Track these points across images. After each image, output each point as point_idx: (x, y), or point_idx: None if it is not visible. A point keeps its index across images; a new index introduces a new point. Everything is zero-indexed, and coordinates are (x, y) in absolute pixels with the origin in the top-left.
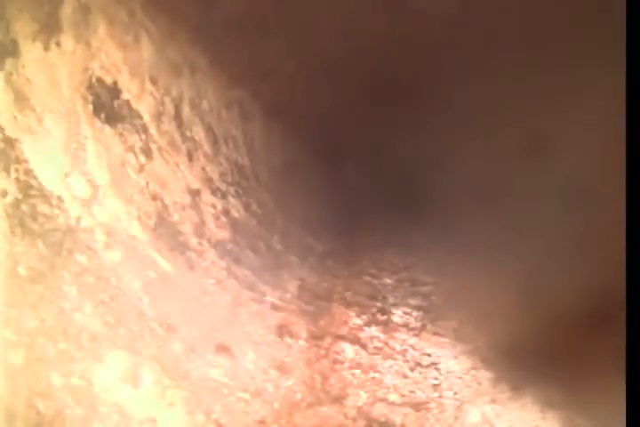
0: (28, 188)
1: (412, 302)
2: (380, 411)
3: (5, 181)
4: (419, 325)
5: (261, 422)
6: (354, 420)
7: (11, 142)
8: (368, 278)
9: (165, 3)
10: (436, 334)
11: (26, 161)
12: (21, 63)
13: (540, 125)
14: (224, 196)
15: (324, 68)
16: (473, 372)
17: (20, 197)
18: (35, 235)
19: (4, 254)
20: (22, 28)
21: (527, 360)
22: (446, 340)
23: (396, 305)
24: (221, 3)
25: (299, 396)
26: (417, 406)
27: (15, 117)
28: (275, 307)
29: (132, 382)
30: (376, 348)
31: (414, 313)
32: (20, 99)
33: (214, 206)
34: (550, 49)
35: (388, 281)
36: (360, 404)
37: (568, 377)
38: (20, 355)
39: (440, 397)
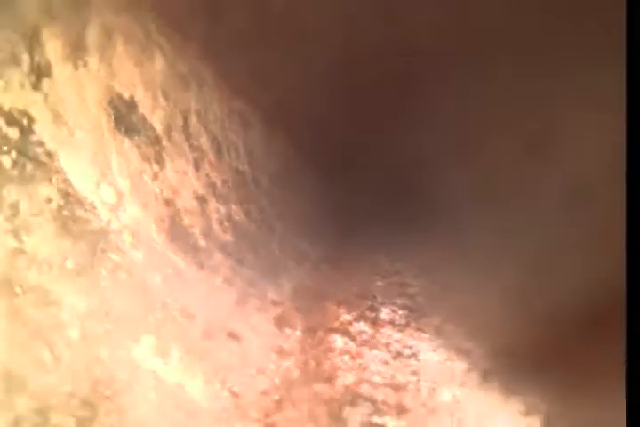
0: (67, 195)
1: (399, 301)
2: (364, 389)
3: (49, 189)
4: (403, 322)
5: (265, 392)
6: (342, 395)
7: (50, 155)
8: (359, 281)
9: (176, 22)
10: (418, 330)
11: (64, 172)
12: (55, 83)
13: (540, 126)
14: (227, 202)
15: (321, 78)
16: (448, 363)
17: (61, 203)
18: (76, 235)
19: (55, 251)
20: (55, 50)
21: (499, 351)
22: (427, 335)
23: (384, 304)
24: (226, 20)
25: (296, 374)
26: (397, 387)
27: (53, 132)
28: (274, 303)
29: (163, 358)
30: (364, 340)
31: (400, 311)
32: (56, 115)
33: (219, 211)
34: (550, 49)
35: (379, 284)
36: (348, 383)
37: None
38: (75, 333)
39: (418, 381)
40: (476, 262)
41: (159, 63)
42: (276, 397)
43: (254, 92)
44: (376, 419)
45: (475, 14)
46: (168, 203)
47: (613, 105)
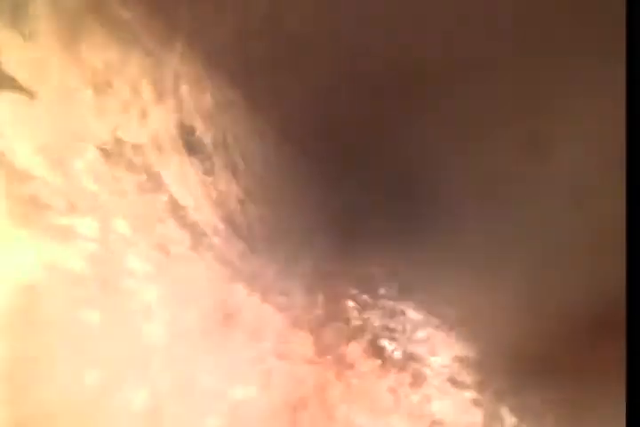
0: (173, 202)
1: (394, 284)
2: (369, 328)
3: (162, 197)
4: (396, 295)
5: (308, 321)
6: (354, 330)
7: (158, 174)
8: (360, 270)
9: (208, 54)
10: (408, 300)
11: (167, 185)
12: (151, 119)
13: (540, 126)
14: (257, 204)
15: (327, 89)
16: (426, 318)
17: (171, 207)
18: (182, 226)
19: (179, 236)
20: (149, 94)
21: (460, 311)
22: (414, 303)
23: (381, 285)
24: (251, 49)
25: (324, 317)
26: (389, 329)
27: (157, 157)
28: (301, 276)
29: (250, 297)
30: (367, 304)
31: (394, 290)
32: (158, 145)
33: (254, 212)
34: (550, 48)
35: (377, 271)
36: (357, 324)
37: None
38: (203, 282)
39: (403, 328)
40: (473, 259)
41: (208, 91)
42: (314, 325)
43: (269, 108)
44: (377, 342)
45: (475, 16)
46: (222, 206)
47: (614, 104)
